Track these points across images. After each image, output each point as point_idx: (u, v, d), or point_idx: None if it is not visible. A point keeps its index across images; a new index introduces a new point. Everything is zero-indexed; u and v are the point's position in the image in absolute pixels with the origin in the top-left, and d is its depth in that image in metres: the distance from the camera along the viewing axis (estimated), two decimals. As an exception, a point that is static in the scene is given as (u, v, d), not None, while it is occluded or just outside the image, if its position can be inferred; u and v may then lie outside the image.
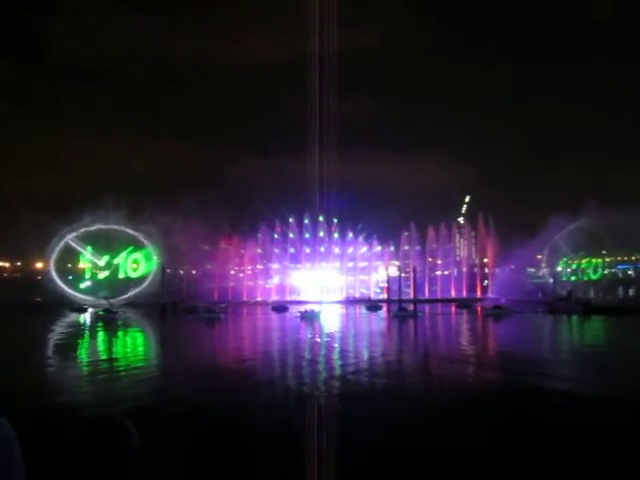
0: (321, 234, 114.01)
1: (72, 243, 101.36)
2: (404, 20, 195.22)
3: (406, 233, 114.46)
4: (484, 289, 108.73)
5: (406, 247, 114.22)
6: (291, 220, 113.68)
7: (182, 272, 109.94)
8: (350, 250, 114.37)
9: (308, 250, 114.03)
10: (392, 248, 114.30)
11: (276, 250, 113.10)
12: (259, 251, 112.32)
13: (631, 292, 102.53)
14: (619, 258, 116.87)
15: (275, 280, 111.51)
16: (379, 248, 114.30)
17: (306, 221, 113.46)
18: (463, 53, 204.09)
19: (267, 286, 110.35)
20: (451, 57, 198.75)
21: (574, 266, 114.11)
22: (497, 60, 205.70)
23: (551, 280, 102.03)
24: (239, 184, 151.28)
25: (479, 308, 79.45)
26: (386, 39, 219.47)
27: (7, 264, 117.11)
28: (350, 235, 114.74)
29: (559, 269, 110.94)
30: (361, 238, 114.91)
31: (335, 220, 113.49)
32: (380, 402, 20.98)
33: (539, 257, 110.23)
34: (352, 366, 30.72)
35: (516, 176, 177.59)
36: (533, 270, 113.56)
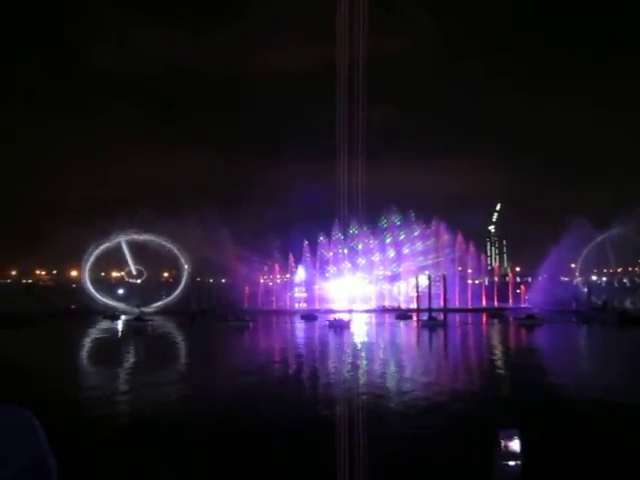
0: (345, 250, 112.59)
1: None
2: (429, 26, 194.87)
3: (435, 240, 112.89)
4: (516, 298, 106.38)
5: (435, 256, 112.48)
6: (321, 235, 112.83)
7: (212, 281, 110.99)
8: (379, 257, 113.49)
9: (341, 257, 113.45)
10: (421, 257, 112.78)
11: (306, 259, 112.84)
12: (290, 260, 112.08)
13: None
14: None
15: (304, 289, 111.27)
16: (407, 251, 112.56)
17: (338, 234, 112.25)
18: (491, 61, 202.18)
19: (296, 294, 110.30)
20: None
21: (609, 275, 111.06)
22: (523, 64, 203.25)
23: (585, 289, 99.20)
24: (269, 194, 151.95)
25: (511, 318, 77.87)
26: (411, 45, 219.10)
27: (44, 272, 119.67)
28: (379, 240, 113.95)
29: (593, 278, 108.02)
30: (390, 245, 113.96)
31: (365, 229, 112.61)
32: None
33: (572, 266, 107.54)
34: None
35: (548, 182, 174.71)
36: (566, 279, 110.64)
